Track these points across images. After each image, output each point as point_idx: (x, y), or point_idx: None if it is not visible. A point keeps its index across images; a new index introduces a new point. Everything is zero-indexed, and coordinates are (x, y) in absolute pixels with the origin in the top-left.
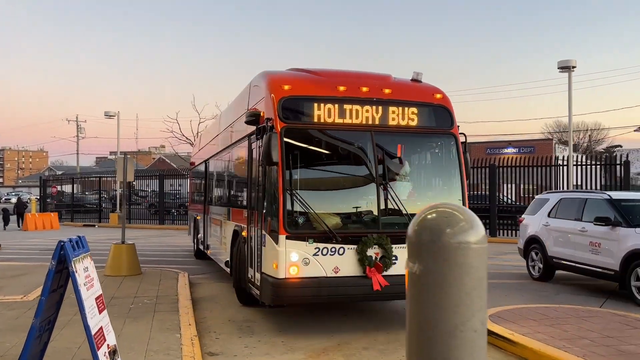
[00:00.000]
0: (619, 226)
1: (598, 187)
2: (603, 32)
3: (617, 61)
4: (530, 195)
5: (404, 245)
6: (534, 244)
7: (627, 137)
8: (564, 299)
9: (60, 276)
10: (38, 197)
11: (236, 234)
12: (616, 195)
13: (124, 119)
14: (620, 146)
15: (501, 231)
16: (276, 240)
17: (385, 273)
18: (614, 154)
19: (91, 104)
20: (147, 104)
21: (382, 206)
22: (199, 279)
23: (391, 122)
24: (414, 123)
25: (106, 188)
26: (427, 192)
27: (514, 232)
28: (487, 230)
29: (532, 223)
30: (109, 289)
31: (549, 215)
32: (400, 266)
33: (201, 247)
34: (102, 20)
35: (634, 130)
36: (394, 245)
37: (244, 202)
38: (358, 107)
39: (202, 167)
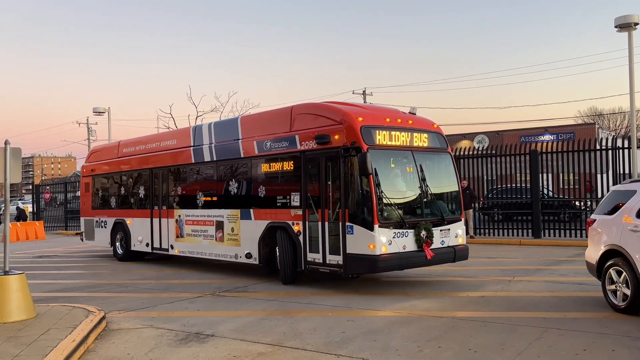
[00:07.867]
0: None
1: None
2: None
3: None
4: (572, 187)
5: (438, 228)
6: (614, 257)
7: None
8: None
9: None
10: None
11: (272, 229)
12: None
13: (117, 118)
14: None
15: (547, 231)
16: (371, 229)
17: (430, 247)
18: None
19: (93, 104)
20: (138, 101)
21: (425, 202)
22: (124, 317)
23: (417, 144)
24: (427, 145)
25: None
26: (441, 191)
27: (562, 231)
28: (530, 231)
29: (610, 227)
30: None
31: (638, 216)
32: (436, 242)
33: (144, 249)
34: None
35: None
36: (432, 228)
37: (293, 203)
38: (398, 133)
39: (143, 174)
